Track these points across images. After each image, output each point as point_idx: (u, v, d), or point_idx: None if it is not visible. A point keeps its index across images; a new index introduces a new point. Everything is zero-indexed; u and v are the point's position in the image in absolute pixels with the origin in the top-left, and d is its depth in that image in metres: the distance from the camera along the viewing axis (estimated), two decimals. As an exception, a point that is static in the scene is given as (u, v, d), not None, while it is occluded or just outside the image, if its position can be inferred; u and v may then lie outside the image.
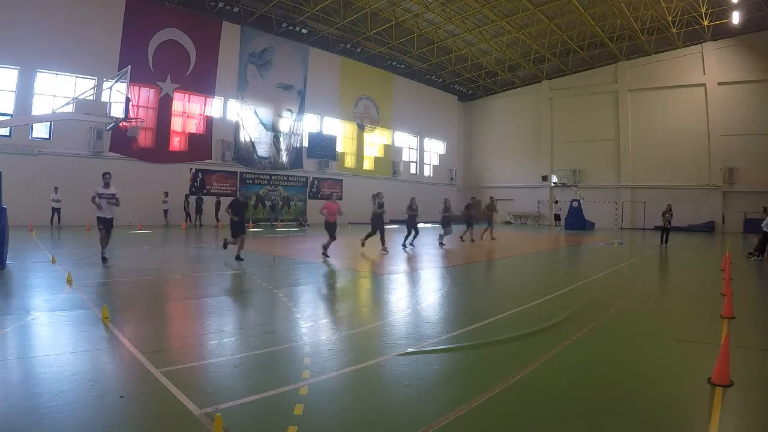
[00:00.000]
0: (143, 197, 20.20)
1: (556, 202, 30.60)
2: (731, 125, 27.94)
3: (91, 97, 14.57)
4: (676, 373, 3.85)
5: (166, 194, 21.28)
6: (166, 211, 21.41)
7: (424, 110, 36.13)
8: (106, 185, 9.24)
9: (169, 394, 3.12)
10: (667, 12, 25.65)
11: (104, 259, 9.14)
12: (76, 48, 19.06)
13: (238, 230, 10.17)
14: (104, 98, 14.08)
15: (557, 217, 28.10)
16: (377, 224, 13.23)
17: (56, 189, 17.79)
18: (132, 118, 16.55)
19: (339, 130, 30.62)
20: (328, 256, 10.82)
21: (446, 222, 15.74)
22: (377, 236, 12.91)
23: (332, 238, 11.29)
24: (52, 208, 17.70)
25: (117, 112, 13.27)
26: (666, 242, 16.64)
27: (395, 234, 19.10)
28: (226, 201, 24.15)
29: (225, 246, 10.63)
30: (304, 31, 27.04)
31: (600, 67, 32.97)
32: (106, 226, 9.30)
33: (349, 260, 11.18)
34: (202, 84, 23.44)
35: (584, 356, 4.27)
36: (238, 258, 9.84)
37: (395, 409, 3.06)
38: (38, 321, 4.91)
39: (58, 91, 18.92)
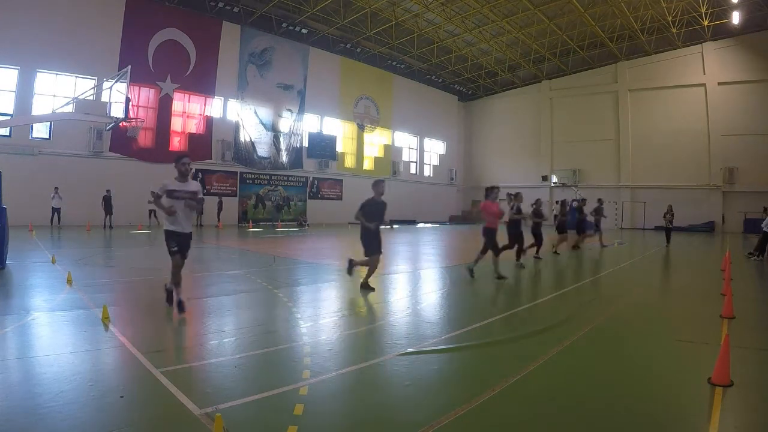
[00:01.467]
0: (143, 197, 20.17)
1: (557, 202, 30.56)
2: (731, 125, 27.95)
3: (91, 97, 14.60)
4: (676, 373, 3.85)
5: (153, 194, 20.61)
6: (152, 212, 20.09)
7: (424, 110, 36.14)
8: (183, 177, 5.69)
9: (169, 394, 3.12)
10: (667, 12, 25.65)
11: (180, 306, 5.24)
12: (76, 48, 19.07)
13: (374, 244, 7.07)
14: (104, 98, 14.11)
15: (556, 218, 28.03)
16: (515, 234, 10.28)
17: (56, 189, 17.80)
18: (132, 118, 16.58)
19: (339, 130, 30.63)
20: (504, 277, 8.25)
21: (562, 227, 13.97)
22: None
23: (494, 250, 8.31)
24: (52, 208, 17.71)
25: (117, 112, 13.30)
26: (668, 242, 16.69)
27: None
28: (228, 201, 24.23)
29: (350, 270, 7.49)
30: (304, 31, 27.04)
31: (600, 67, 32.98)
32: (181, 247, 5.39)
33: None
34: (202, 84, 23.45)
35: (584, 356, 4.27)
36: (366, 287, 6.97)
37: (395, 409, 3.06)
38: (38, 321, 4.91)
39: (58, 91, 18.94)
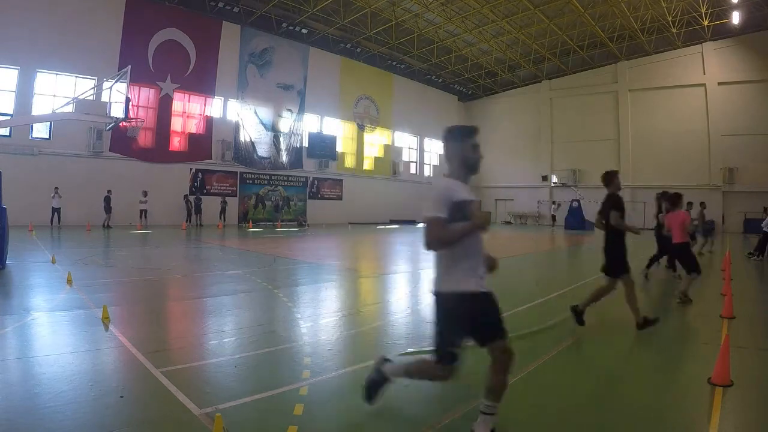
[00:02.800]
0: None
1: (554, 203, 30.65)
2: (731, 125, 27.93)
3: (91, 97, 14.59)
4: (676, 373, 3.85)
5: (145, 194, 19.74)
6: (143, 212, 19.67)
7: (424, 110, 36.13)
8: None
9: (169, 394, 3.12)
10: (667, 12, 25.64)
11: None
12: (76, 48, 19.05)
13: (620, 264, 5.47)
14: (104, 98, 14.11)
15: (554, 218, 28.12)
16: (664, 244, 8.69)
17: (56, 189, 17.80)
18: (132, 118, 16.56)
19: (339, 130, 30.62)
20: (689, 300, 6.60)
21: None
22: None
23: (694, 270, 6.48)
24: (52, 208, 17.71)
25: (117, 112, 13.30)
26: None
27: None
28: (231, 201, 24.24)
29: (643, 324, 4.97)
30: (304, 31, 27.04)
31: (600, 67, 32.96)
32: None
33: (350, 260, 11.17)
34: (202, 84, 23.44)
35: (584, 356, 4.27)
36: (646, 323, 4.93)
37: (395, 409, 3.06)
38: (38, 321, 4.91)
39: (58, 91, 18.92)
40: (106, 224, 18.83)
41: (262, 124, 26.09)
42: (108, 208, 18.92)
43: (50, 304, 5.61)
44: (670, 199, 7.32)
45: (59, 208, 17.82)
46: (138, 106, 20.85)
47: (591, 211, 30.78)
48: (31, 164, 17.99)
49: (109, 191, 19.04)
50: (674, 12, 25.91)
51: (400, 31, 28.65)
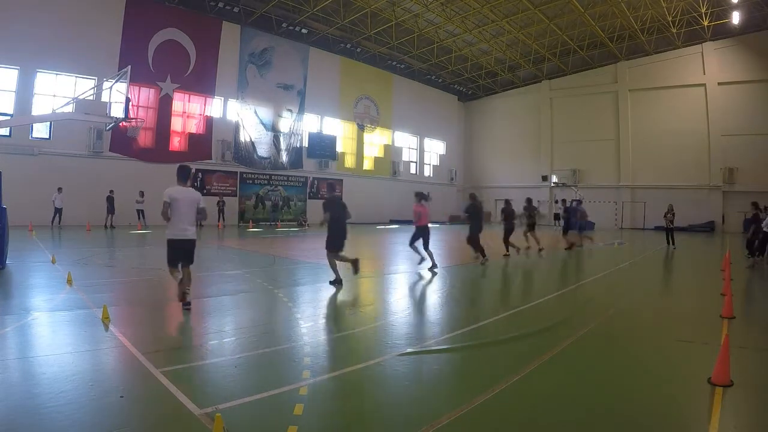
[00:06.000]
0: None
1: (556, 202, 30.60)
2: (731, 125, 27.93)
3: (91, 97, 14.57)
4: (676, 373, 3.85)
5: (142, 194, 19.46)
6: (140, 212, 19.47)
7: (424, 110, 36.14)
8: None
9: (169, 394, 3.12)
10: (667, 12, 25.64)
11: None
12: (76, 48, 19.06)
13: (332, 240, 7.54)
14: (104, 98, 14.08)
15: (557, 216, 28.07)
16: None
17: (59, 189, 17.78)
18: (132, 118, 16.54)
19: (339, 130, 30.63)
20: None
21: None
22: None
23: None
24: (55, 208, 17.69)
25: (117, 112, 13.27)
26: (673, 243, 16.07)
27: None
28: (228, 201, 24.26)
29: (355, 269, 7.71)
30: (304, 31, 27.04)
31: (600, 67, 32.97)
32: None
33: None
34: (202, 84, 23.45)
35: (584, 356, 4.27)
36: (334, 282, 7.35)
37: (395, 409, 3.06)
38: (38, 321, 4.91)
39: (58, 91, 18.93)
40: (108, 224, 18.82)
41: (262, 124, 26.09)
42: (111, 208, 18.92)
43: (50, 304, 5.61)
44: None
45: (61, 208, 17.81)
46: (138, 106, 20.86)
47: (591, 210, 30.78)
48: (31, 164, 17.99)
49: (111, 191, 19.05)
50: (674, 12, 25.91)
51: (400, 31, 28.65)
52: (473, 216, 10.84)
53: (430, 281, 8.49)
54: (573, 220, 15.49)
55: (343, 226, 7.62)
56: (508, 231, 12.52)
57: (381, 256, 11.84)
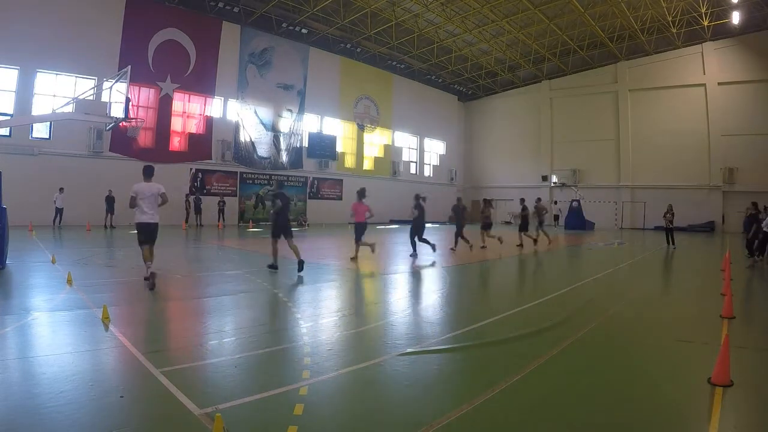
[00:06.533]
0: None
1: (555, 202, 30.67)
2: (731, 125, 27.93)
3: (91, 97, 14.56)
4: (676, 373, 3.85)
5: None
6: None
7: (424, 110, 36.13)
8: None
9: (169, 394, 3.12)
10: (667, 12, 25.64)
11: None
12: (76, 48, 19.06)
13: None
14: (104, 98, 14.07)
15: (556, 218, 28.12)
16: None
17: (61, 189, 17.77)
18: (132, 118, 16.54)
19: (339, 130, 30.62)
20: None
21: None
22: None
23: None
24: (56, 208, 17.68)
25: (117, 112, 13.26)
26: (672, 243, 16.07)
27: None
28: (230, 201, 24.27)
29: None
30: (304, 31, 27.04)
31: (600, 67, 32.96)
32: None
33: (350, 260, 11.15)
34: (202, 84, 23.44)
35: (584, 356, 4.27)
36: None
37: (395, 409, 3.06)
38: (38, 321, 4.91)
39: (58, 91, 18.92)
40: (107, 224, 18.81)
41: (262, 124, 26.09)
42: (110, 208, 18.91)
43: (50, 304, 5.61)
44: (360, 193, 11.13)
45: (62, 208, 17.80)
46: (138, 106, 20.85)
47: (591, 210, 30.83)
48: (31, 164, 17.99)
49: (110, 191, 19.04)
50: (674, 12, 25.90)
51: (400, 31, 28.65)
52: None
53: (429, 281, 8.49)
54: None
55: (287, 217, 8.99)
56: (460, 227, 13.85)
57: (381, 256, 11.84)
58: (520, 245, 15.20)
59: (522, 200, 16.65)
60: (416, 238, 11.74)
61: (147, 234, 7.07)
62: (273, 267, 8.59)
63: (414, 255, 11.54)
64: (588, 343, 4.67)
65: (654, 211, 28.08)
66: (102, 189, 19.09)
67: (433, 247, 11.74)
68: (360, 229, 10.83)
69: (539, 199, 18.63)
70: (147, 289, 6.59)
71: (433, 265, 10.37)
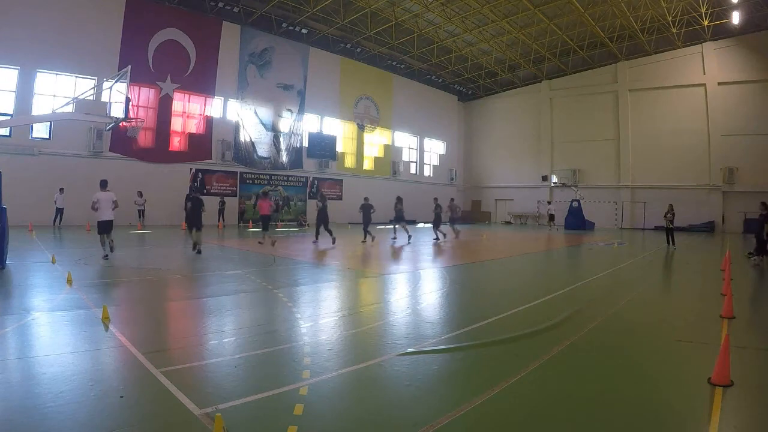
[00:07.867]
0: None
1: (549, 203, 30.72)
2: (731, 125, 27.93)
3: (91, 97, 14.54)
4: (676, 373, 3.85)
5: (141, 194, 19.56)
6: (140, 212, 19.63)
7: (424, 110, 36.12)
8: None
9: (169, 394, 3.12)
10: (667, 12, 25.64)
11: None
12: (76, 48, 19.05)
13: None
14: (104, 98, 14.05)
15: (552, 217, 28.12)
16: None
17: (61, 189, 17.77)
18: (132, 118, 16.52)
19: (339, 130, 30.61)
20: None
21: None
22: None
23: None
24: (57, 208, 17.67)
25: (117, 112, 13.24)
26: (673, 243, 16.02)
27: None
28: (230, 201, 24.26)
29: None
30: (304, 31, 27.04)
31: (600, 67, 32.96)
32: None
33: (350, 260, 11.16)
34: (202, 84, 23.44)
35: (584, 356, 4.27)
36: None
37: (395, 409, 3.06)
38: (38, 321, 4.91)
39: (58, 91, 18.91)
40: None
41: (262, 124, 26.08)
42: None
43: (50, 304, 5.61)
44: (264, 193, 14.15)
45: (63, 209, 17.79)
46: (138, 106, 20.84)
47: (591, 210, 30.83)
48: (31, 164, 17.99)
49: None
50: (674, 12, 25.90)
51: (400, 31, 28.64)
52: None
53: (429, 281, 8.49)
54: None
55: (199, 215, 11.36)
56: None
57: (380, 256, 11.85)
58: (436, 238, 17.65)
59: (435, 199, 19.19)
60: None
61: (103, 228, 9.66)
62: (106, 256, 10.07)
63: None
64: (588, 343, 4.67)
65: (654, 211, 28.09)
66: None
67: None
68: (265, 220, 14.26)
69: (452, 200, 21.86)
70: (102, 259, 9.46)
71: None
